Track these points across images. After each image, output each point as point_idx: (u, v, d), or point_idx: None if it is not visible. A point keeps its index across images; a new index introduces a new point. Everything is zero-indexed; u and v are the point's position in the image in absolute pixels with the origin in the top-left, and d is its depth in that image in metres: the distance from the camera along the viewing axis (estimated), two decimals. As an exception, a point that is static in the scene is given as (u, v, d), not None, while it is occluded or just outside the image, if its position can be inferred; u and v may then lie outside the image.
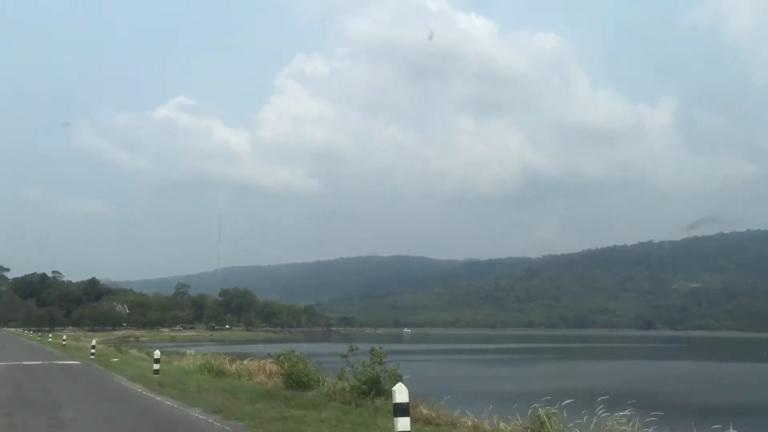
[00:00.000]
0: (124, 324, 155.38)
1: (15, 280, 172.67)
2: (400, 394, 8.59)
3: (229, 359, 26.32)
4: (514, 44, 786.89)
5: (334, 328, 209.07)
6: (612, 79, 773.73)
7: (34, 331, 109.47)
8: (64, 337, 43.22)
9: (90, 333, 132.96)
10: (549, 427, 10.66)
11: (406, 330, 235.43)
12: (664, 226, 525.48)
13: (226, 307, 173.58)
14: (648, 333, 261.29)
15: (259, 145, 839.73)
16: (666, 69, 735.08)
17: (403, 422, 8.51)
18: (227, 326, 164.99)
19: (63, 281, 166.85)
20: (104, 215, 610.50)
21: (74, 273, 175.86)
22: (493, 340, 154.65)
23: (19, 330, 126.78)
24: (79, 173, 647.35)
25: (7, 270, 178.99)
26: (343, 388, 15.01)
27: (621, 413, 11.36)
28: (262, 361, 23.82)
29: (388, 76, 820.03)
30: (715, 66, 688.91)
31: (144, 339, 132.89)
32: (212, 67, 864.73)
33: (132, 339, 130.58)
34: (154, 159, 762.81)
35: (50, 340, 56.85)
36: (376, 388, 14.16)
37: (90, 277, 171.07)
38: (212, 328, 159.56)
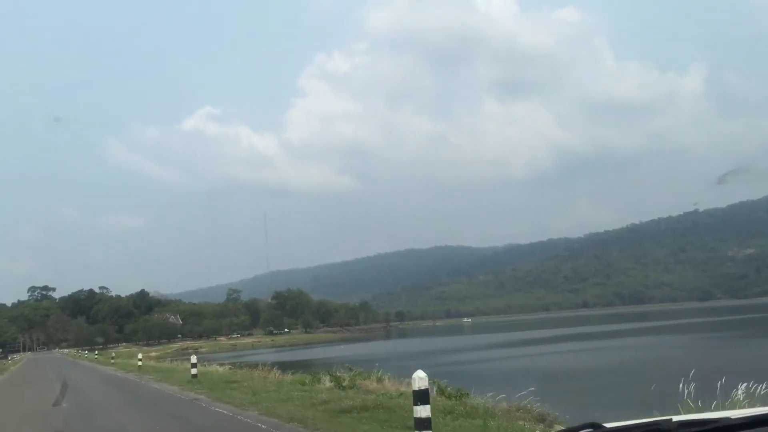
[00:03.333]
0: (179, 335, 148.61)
1: (62, 299, 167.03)
2: (420, 381, 8.70)
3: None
4: (535, 22, 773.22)
5: (393, 324, 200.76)
6: (638, 49, 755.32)
7: (88, 350, 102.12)
8: (140, 356, 36.42)
9: (145, 347, 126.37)
10: None
11: (466, 320, 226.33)
12: (707, 194, 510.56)
13: (281, 310, 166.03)
14: (710, 304, 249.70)
15: (289, 148, 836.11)
16: (692, 34, 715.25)
17: (423, 409, 8.57)
18: (286, 330, 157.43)
19: (112, 296, 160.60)
20: (143, 229, 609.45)
21: (120, 289, 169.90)
22: (565, 323, 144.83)
23: (73, 351, 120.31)
24: (114, 190, 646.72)
25: (53, 289, 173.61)
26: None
27: None
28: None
29: (411, 67, 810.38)
30: (742, 27, 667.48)
31: (203, 350, 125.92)
32: (235, 75, 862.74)
33: (191, 350, 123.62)
34: (186, 170, 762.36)
35: (113, 360, 51.92)
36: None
37: (139, 290, 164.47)
38: (271, 333, 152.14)
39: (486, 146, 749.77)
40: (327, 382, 17.75)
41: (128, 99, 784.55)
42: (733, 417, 1.66)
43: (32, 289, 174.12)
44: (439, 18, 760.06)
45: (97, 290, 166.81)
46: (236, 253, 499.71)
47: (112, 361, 50.36)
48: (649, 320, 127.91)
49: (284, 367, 28.21)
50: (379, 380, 16.48)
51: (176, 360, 47.60)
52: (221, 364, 34.11)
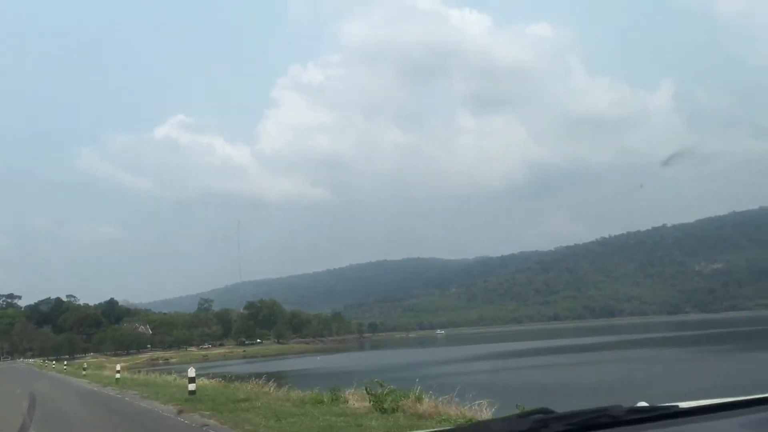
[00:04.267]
0: (149, 345, 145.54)
1: (28, 307, 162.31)
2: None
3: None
4: (509, 37, 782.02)
5: (366, 335, 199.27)
6: (610, 66, 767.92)
7: (56, 360, 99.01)
8: (117, 367, 31.33)
9: (113, 358, 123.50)
10: None
11: (439, 332, 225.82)
12: (676, 210, 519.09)
13: (253, 320, 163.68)
14: (679, 318, 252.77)
15: (262, 158, 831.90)
16: (662, 52, 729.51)
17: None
18: (258, 340, 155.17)
19: (79, 305, 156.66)
20: (113, 238, 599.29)
21: (89, 298, 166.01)
22: (539, 335, 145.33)
23: (39, 361, 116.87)
24: (85, 198, 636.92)
25: (19, 297, 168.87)
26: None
27: None
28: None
29: (386, 80, 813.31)
30: (710, 47, 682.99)
31: (173, 360, 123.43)
32: (208, 84, 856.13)
33: (161, 361, 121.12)
34: (158, 179, 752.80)
35: (85, 371, 47.08)
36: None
37: (107, 299, 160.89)
38: (243, 344, 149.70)
39: (460, 159, 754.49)
40: (354, 401, 15.10)
41: (100, 106, 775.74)
42: (680, 406, 1.73)
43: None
44: (414, 32, 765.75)
45: (64, 299, 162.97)
46: (208, 263, 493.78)
47: (84, 372, 45.98)
48: (617, 334, 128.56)
49: (253, 377, 26.99)
50: (418, 399, 13.44)
51: (150, 371, 43.48)
52: (207, 377, 32.57)
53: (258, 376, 27.06)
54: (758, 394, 1.70)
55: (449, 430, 1.43)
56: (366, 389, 14.98)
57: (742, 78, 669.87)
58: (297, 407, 15.03)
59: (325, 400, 16.02)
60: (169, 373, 32.41)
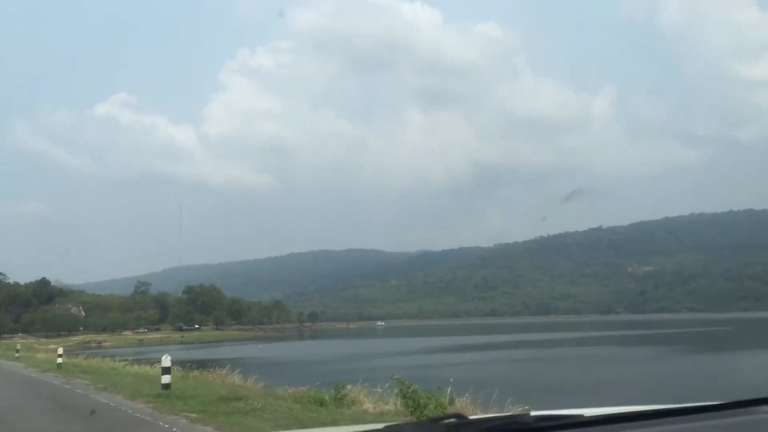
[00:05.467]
0: (81, 328, 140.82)
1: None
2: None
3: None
4: (458, 34, 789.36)
5: (306, 324, 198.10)
6: (555, 69, 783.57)
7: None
8: (60, 350, 27.52)
9: (43, 339, 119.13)
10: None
11: (379, 323, 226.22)
12: (611, 213, 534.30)
13: (192, 306, 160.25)
14: (610, 318, 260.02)
15: (207, 142, 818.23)
16: (605, 59, 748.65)
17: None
18: (197, 326, 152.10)
19: (8, 283, 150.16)
20: (47, 216, 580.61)
21: (19, 276, 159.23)
22: (479, 330, 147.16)
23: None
24: (17, 173, 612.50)
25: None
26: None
27: None
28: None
29: (335, 70, 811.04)
30: (650, 56, 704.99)
31: (107, 344, 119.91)
32: (154, 63, 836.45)
33: (94, 344, 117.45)
34: (97, 157, 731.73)
35: (18, 353, 41.50)
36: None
37: (39, 278, 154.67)
38: (181, 329, 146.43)
39: (405, 153, 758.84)
40: (369, 403, 12.98)
41: (39, 79, 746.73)
42: (585, 415, 1.75)
43: None
44: (364, 24, 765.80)
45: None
46: (145, 245, 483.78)
47: (17, 354, 40.80)
48: (555, 331, 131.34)
49: (202, 365, 25.56)
50: (451, 403, 11.73)
51: (88, 355, 38.69)
52: (145, 363, 30.36)
53: (203, 363, 25.67)
54: (669, 404, 1.77)
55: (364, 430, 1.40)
56: (402, 390, 12.37)
57: (677, 89, 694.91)
58: (299, 408, 12.46)
59: (327, 399, 13.61)
60: (114, 359, 30.26)
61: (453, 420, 1.56)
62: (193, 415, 11.37)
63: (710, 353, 57.67)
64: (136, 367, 24.45)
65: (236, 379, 18.54)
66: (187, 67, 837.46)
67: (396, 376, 12.96)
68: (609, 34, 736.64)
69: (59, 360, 26.81)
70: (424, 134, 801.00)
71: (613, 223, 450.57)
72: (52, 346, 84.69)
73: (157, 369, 22.13)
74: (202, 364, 25.37)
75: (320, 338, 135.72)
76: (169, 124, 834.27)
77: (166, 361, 14.79)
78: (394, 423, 1.29)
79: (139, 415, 11.87)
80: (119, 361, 29.25)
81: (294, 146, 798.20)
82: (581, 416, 1.75)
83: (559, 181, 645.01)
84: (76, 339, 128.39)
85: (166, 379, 14.37)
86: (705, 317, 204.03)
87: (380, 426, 1.42)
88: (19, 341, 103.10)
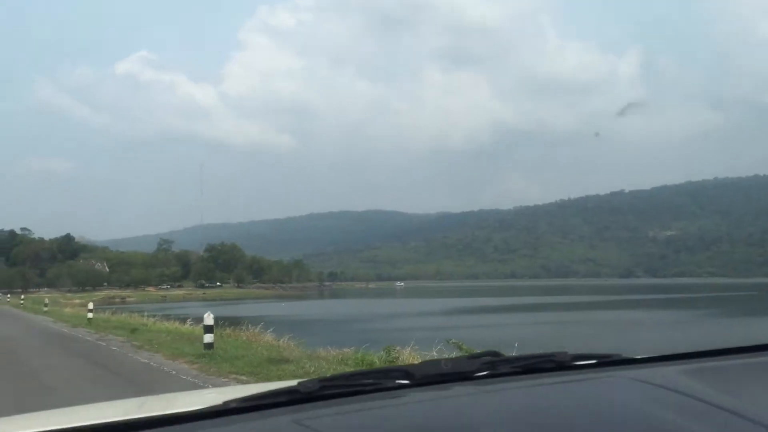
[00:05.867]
0: (105, 283, 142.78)
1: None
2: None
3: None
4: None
5: (326, 284, 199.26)
6: (581, 30, 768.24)
7: (9, 294, 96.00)
8: (90, 305, 26.56)
9: (69, 294, 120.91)
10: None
11: (398, 284, 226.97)
12: (633, 176, 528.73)
13: (213, 263, 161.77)
14: (630, 282, 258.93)
15: (227, 101, 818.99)
16: (633, 18, 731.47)
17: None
18: (218, 283, 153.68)
19: (34, 239, 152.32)
20: (70, 173, 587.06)
21: (44, 232, 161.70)
22: (500, 292, 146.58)
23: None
24: (41, 130, 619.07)
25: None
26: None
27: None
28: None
29: (356, 28, 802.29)
30: (679, 16, 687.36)
31: (131, 299, 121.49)
32: (174, 21, 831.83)
33: (118, 299, 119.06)
34: (118, 115, 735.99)
35: (47, 308, 39.93)
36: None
37: (64, 234, 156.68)
38: (202, 286, 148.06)
39: (426, 114, 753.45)
40: None
41: (60, 37, 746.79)
42: (622, 355, 1.81)
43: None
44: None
45: (18, 231, 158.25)
46: (167, 203, 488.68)
47: (45, 309, 39.63)
48: (570, 294, 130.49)
49: (230, 323, 25.08)
50: None
51: (115, 310, 37.60)
52: (173, 319, 29.98)
53: (230, 321, 25.18)
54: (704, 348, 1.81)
55: (401, 367, 1.46)
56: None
57: (706, 50, 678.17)
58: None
59: (378, 362, 12.14)
60: (141, 315, 29.78)
61: (489, 357, 1.62)
62: (243, 377, 10.75)
63: (740, 317, 56.83)
64: (166, 324, 23.85)
65: (269, 338, 17.92)
66: (206, 24, 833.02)
67: (452, 340, 12.24)
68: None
69: (89, 315, 25.85)
70: (446, 95, 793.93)
71: (635, 187, 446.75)
72: (77, 301, 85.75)
73: (190, 326, 21.66)
74: (230, 322, 24.80)
75: (340, 297, 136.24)
76: (190, 82, 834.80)
77: (208, 319, 13.71)
78: (434, 358, 1.41)
79: (185, 377, 11.01)
80: (146, 317, 28.47)
81: (314, 106, 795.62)
82: (618, 355, 1.80)
83: (581, 143, 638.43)
84: (101, 294, 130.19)
85: (208, 338, 13.42)
86: (727, 282, 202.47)
87: (420, 363, 1.51)
88: (44, 295, 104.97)
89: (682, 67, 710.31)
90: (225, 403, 1.26)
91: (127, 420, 1.23)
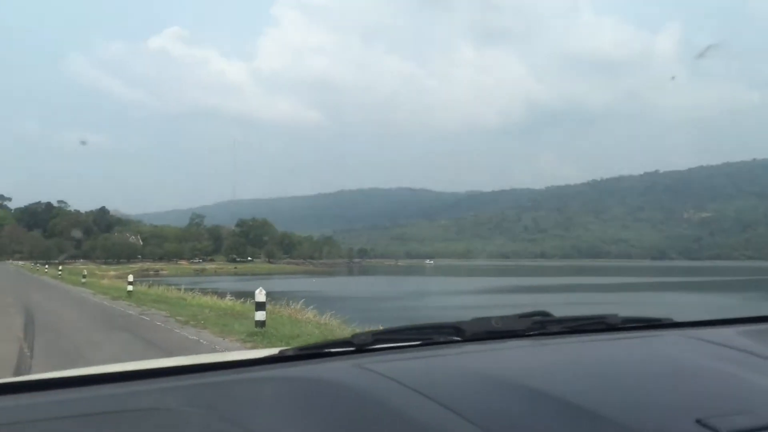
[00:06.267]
0: (139, 256, 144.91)
1: (18, 210, 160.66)
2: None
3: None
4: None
5: (356, 261, 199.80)
6: (617, 5, 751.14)
7: (48, 264, 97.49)
8: (130, 278, 26.52)
9: (104, 266, 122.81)
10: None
11: (428, 261, 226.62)
12: (669, 156, 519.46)
13: (244, 238, 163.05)
14: (663, 263, 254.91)
15: (259, 77, 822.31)
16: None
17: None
18: (249, 258, 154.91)
19: (70, 211, 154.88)
20: (103, 147, 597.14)
21: (79, 205, 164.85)
22: (532, 272, 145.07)
23: (28, 264, 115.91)
24: (75, 104, 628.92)
25: (9, 200, 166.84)
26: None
27: None
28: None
29: (388, 5, 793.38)
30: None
31: (164, 272, 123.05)
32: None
33: (152, 272, 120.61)
34: (151, 90, 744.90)
35: (85, 279, 39.17)
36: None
37: (99, 207, 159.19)
38: (234, 261, 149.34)
39: (457, 91, 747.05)
40: None
41: (93, 12, 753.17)
42: (674, 319, 1.82)
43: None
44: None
45: (55, 204, 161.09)
46: (198, 178, 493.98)
47: (83, 280, 38.72)
48: (605, 275, 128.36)
49: (269, 298, 24.49)
50: None
51: (150, 283, 37.58)
52: (208, 292, 29.62)
53: (254, 295, 24.62)
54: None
55: (451, 323, 1.47)
56: None
57: (745, 28, 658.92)
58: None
59: None
60: (178, 288, 29.57)
61: (539, 317, 1.64)
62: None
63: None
64: (206, 299, 23.62)
65: (310, 315, 17.50)
66: (238, 0, 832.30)
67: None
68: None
69: (129, 288, 25.40)
70: (478, 72, 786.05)
71: (671, 168, 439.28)
72: (112, 273, 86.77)
73: (230, 301, 21.43)
74: (274, 298, 24.27)
75: (370, 274, 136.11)
76: (222, 58, 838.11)
77: (260, 295, 12.89)
78: (485, 317, 1.42)
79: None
80: (183, 290, 28.24)
81: (345, 83, 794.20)
82: (669, 319, 1.81)
83: (615, 123, 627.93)
84: (135, 266, 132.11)
85: (260, 315, 12.66)
86: (765, 265, 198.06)
87: (471, 320, 1.50)
88: (80, 266, 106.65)
89: (720, 45, 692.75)
90: (281, 351, 1.33)
91: (189, 364, 1.30)
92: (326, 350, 1.33)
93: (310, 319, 16.29)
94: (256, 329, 12.38)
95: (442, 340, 1.44)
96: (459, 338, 1.45)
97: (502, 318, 1.52)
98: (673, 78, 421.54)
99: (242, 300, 22.42)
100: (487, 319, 1.49)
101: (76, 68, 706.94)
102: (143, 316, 16.84)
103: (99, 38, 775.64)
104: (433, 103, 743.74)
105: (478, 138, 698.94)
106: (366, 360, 1.24)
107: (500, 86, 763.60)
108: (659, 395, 1.04)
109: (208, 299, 22.72)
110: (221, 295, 26.25)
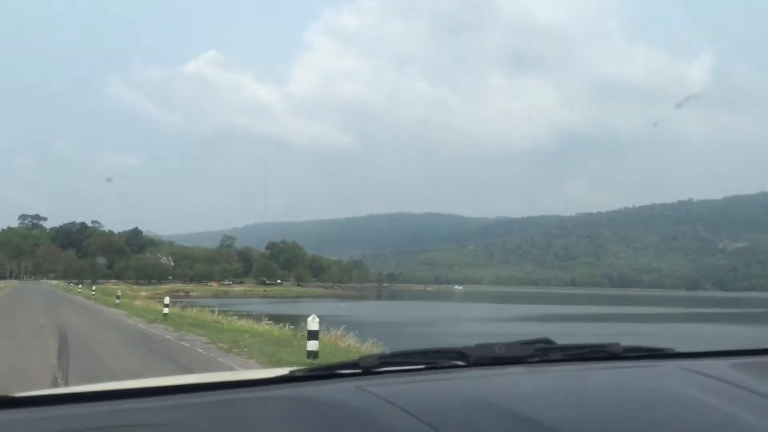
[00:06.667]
0: (170, 277, 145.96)
1: (53, 229, 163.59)
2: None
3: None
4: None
5: (385, 285, 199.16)
6: (649, 33, 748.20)
7: (81, 283, 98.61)
8: (166, 300, 25.38)
9: (135, 286, 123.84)
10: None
11: (457, 287, 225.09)
12: (703, 185, 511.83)
13: (274, 261, 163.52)
14: (697, 294, 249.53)
15: (291, 101, 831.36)
16: (705, 22, 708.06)
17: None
18: (278, 281, 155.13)
19: (104, 231, 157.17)
20: (139, 168, 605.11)
21: (112, 225, 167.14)
22: (564, 299, 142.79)
23: (62, 282, 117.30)
24: (112, 126, 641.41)
25: (45, 219, 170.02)
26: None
27: None
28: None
29: (419, 30, 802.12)
30: (752, 22, 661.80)
31: (194, 293, 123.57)
32: (241, 22, 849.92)
33: (182, 293, 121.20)
34: (186, 113, 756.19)
35: (119, 300, 38.59)
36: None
37: (131, 228, 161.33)
38: (263, 283, 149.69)
39: (487, 117, 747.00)
40: None
41: (131, 36, 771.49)
42: (675, 350, 1.84)
43: (23, 216, 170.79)
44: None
45: (89, 224, 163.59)
46: (230, 200, 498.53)
47: (117, 301, 38.64)
48: (639, 305, 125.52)
49: (290, 321, 24.13)
50: None
51: (181, 304, 35.60)
52: (239, 315, 29.10)
53: (295, 319, 24.19)
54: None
55: (456, 348, 1.52)
56: None
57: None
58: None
59: None
60: (212, 311, 29.08)
61: (542, 344, 1.66)
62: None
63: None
64: (242, 322, 23.25)
65: (351, 341, 17.00)
66: (273, 26, 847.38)
67: None
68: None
69: (165, 310, 24.89)
70: (508, 98, 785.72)
71: (705, 197, 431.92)
72: (143, 293, 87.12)
73: (268, 326, 20.94)
74: (291, 320, 23.85)
75: (399, 299, 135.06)
76: (255, 82, 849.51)
77: (313, 323, 11.77)
78: (488, 343, 1.48)
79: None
80: (217, 313, 27.70)
81: (376, 107, 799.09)
82: (671, 349, 1.82)
83: (648, 150, 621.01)
84: (165, 287, 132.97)
85: (312, 345, 11.53)
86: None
87: (474, 345, 1.53)
88: (113, 287, 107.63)
89: (754, 73, 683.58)
90: (291, 372, 1.38)
91: (202, 382, 1.36)
92: (334, 372, 1.39)
93: (352, 345, 15.87)
94: (308, 360, 11.48)
95: (446, 364, 1.49)
96: (463, 363, 1.49)
97: (505, 344, 1.56)
98: (655, 125, 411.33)
99: (280, 325, 22.13)
100: (491, 345, 1.53)
101: (113, 92, 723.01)
102: (182, 342, 16.22)
103: (136, 61, 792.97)
104: (462, 128, 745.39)
105: (507, 164, 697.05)
106: (370, 382, 1.28)
107: (530, 112, 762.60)
108: (650, 427, 1.09)
109: (245, 323, 22.32)
110: (256, 318, 25.87)
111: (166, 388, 1.28)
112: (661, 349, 1.82)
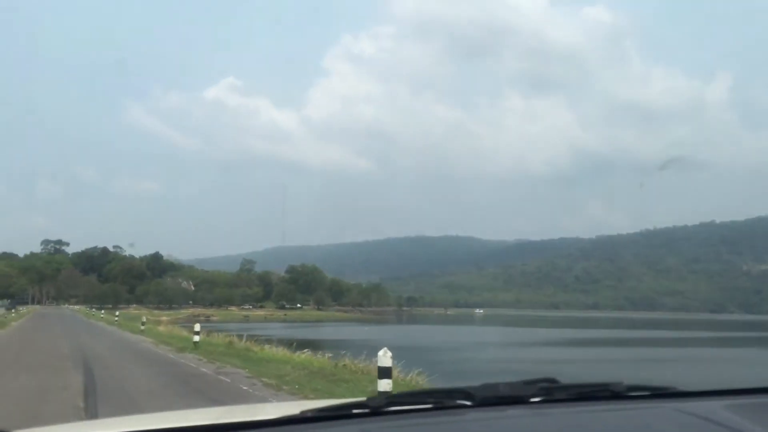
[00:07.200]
0: (191, 302, 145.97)
1: (75, 254, 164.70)
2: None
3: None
4: (565, 18, 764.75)
5: (405, 308, 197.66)
6: (666, 55, 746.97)
7: (104, 309, 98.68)
8: (197, 327, 23.91)
9: (156, 311, 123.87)
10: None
11: (478, 311, 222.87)
12: (726, 206, 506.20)
13: (294, 285, 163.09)
14: (722, 317, 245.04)
15: (309, 125, 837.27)
16: (722, 43, 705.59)
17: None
18: (298, 305, 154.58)
19: (125, 256, 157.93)
20: (159, 194, 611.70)
21: (134, 250, 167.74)
22: (587, 323, 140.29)
23: (84, 308, 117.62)
24: (133, 152, 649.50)
25: (67, 244, 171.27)
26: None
27: None
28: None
29: (436, 54, 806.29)
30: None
31: (215, 318, 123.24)
32: (260, 49, 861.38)
33: (202, 318, 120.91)
34: (206, 139, 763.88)
35: (143, 326, 37.88)
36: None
37: (152, 252, 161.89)
38: (283, 307, 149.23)
39: (504, 140, 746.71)
40: None
41: (152, 63, 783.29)
42: (677, 388, 1.86)
43: (45, 242, 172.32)
44: (466, 7, 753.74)
45: (110, 249, 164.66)
46: (249, 224, 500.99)
47: (142, 327, 37.61)
48: (663, 328, 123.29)
49: (316, 346, 23.47)
50: None
51: (205, 330, 34.74)
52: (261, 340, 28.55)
53: (320, 345, 23.58)
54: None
55: (462, 388, 1.54)
56: None
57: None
58: None
59: None
60: (239, 337, 28.11)
61: (545, 383, 1.66)
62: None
63: None
64: (276, 350, 22.55)
65: (395, 371, 16.09)
66: (291, 52, 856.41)
67: None
68: (728, 15, 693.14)
69: (196, 338, 23.74)
70: (525, 121, 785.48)
71: (728, 218, 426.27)
72: (164, 318, 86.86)
73: (305, 355, 20.15)
74: (325, 346, 23.14)
75: (420, 323, 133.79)
76: (274, 108, 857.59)
77: (386, 358, 9.75)
78: (492, 382, 1.58)
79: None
80: (244, 341, 26.79)
81: (393, 131, 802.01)
82: (674, 387, 1.82)
83: (668, 172, 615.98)
84: (186, 312, 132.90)
85: (386, 385, 9.49)
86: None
87: (478, 385, 1.56)
88: (134, 311, 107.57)
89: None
90: (302, 412, 1.42)
91: (214, 424, 1.40)
92: (343, 412, 1.42)
93: (397, 377, 15.06)
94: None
95: (451, 404, 1.52)
96: (469, 403, 1.52)
97: (510, 384, 1.58)
98: (641, 185, 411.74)
99: (314, 352, 21.38)
100: (496, 385, 1.55)
101: (134, 117, 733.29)
102: (221, 377, 14.60)
103: (157, 88, 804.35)
104: (480, 151, 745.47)
105: (526, 186, 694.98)
106: (376, 425, 1.31)
107: (548, 134, 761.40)
108: None
109: (279, 351, 21.60)
110: (283, 344, 25.10)
111: (174, 430, 1.28)
112: (664, 388, 1.84)
